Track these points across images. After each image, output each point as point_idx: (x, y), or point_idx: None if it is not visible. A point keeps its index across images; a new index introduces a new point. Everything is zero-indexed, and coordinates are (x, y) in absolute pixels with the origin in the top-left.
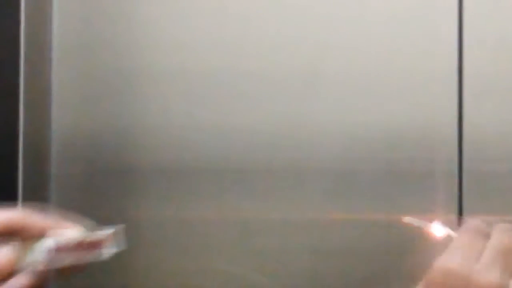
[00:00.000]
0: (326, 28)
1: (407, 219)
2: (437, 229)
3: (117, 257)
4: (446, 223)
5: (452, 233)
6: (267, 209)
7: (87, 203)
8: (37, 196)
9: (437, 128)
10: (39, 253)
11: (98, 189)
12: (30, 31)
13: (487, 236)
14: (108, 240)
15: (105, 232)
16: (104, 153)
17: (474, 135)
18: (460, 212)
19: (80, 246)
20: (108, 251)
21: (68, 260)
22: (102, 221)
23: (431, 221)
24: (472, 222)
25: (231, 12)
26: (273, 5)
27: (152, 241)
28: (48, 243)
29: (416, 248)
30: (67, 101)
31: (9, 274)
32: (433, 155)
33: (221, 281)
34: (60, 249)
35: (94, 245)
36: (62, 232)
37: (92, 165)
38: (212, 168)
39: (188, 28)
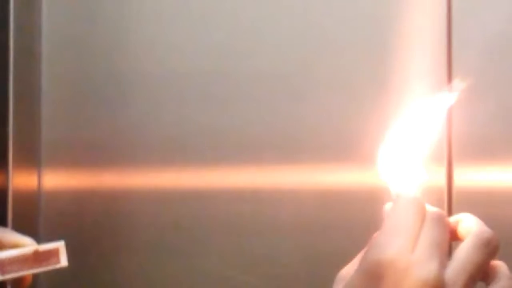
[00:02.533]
0: (316, 31)
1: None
2: None
3: (109, 258)
4: None
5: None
6: (257, 209)
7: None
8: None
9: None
10: None
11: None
12: (19, 32)
13: (423, 213)
14: (57, 252)
15: (54, 244)
16: (95, 154)
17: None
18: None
19: (30, 258)
20: (56, 264)
21: (18, 272)
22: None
23: None
24: (410, 196)
25: (221, 14)
26: (263, 8)
27: (143, 242)
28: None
29: None
30: (57, 103)
31: None
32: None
33: (213, 283)
34: (10, 262)
35: (43, 257)
36: (12, 245)
37: (80, 164)
38: (201, 169)
39: (178, 30)
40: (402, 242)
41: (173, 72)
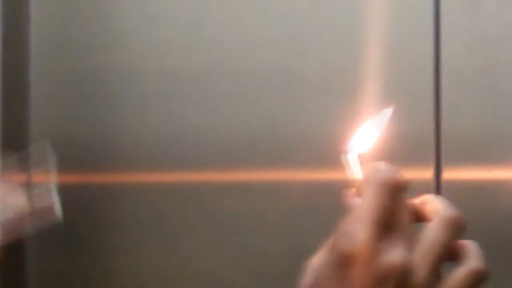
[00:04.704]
0: (303, 29)
1: None
2: None
3: (98, 256)
4: None
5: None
6: (245, 207)
7: None
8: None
9: (414, 129)
10: None
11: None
12: (8, 33)
13: (389, 196)
14: (51, 206)
15: (47, 199)
16: (81, 151)
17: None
18: None
19: (27, 215)
20: (52, 217)
21: (18, 229)
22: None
23: None
24: (376, 180)
25: (210, 12)
26: (253, 5)
27: (133, 242)
28: None
29: None
30: (45, 101)
31: None
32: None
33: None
34: (9, 222)
35: (39, 212)
36: (8, 203)
37: (69, 163)
38: (190, 167)
39: (167, 28)
40: (368, 230)
41: (162, 70)
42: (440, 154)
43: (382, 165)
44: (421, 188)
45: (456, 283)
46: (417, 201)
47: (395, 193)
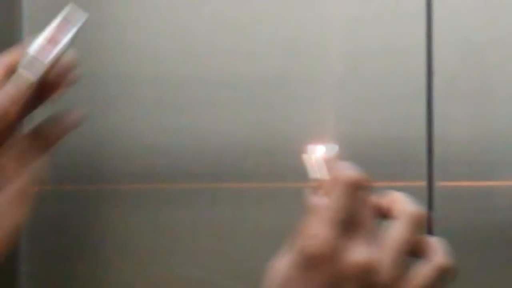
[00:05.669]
0: (295, 35)
1: None
2: None
3: (91, 261)
4: None
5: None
6: (238, 214)
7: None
8: None
9: (406, 133)
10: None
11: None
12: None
13: (360, 195)
14: (72, 13)
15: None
16: (74, 158)
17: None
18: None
19: (53, 34)
20: (78, 22)
21: (55, 51)
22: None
23: None
24: (337, 179)
25: (202, 20)
26: (247, 13)
27: (126, 249)
28: (29, 49)
29: None
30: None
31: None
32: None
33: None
34: (42, 48)
35: (64, 25)
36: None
37: (61, 170)
38: (183, 175)
39: (160, 35)
40: (331, 230)
41: (154, 77)
42: (433, 161)
43: (344, 165)
44: (414, 194)
45: (421, 278)
46: (381, 198)
47: (357, 192)
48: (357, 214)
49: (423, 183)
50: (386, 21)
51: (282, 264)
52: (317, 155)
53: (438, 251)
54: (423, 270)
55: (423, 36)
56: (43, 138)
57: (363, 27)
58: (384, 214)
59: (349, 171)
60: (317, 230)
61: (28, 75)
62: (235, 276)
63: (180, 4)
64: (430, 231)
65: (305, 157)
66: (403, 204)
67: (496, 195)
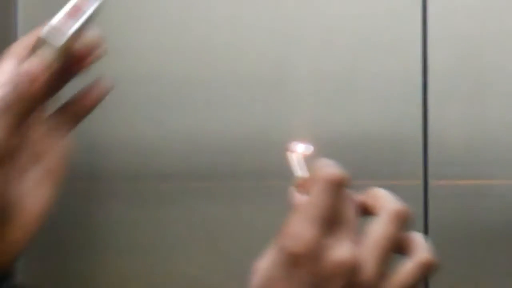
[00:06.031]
0: (291, 33)
1: None
2: None
3: (87, 259)
4: None
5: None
6: (234, 213)
7: None
8: None
9: (402, 131)
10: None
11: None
12: None
13: (341, 192)
14: None
15: None
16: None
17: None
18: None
19: (75, 7)
20: None
21: (77, 23)
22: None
23: None
24: (320, 177)
25: (197, 19)
26: (242, 12)
27: (121, 247)
28: (52, 21)
29: None
30: None
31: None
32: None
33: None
34: (64, 19)
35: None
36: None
37: None
38: (179, 174)
39: (156, 35)
40: (313, 228)
41: (147, 76)
42: (428, 160)
43: (325, 162)
44: (409, 193)
45: (405, 275)
46: (363, 195)
47: (338, 189)
48: (339, 211)
49: (418, 182)
50: (382, 20)
51: (265, 263)
52: (298, 153)
53: (421, 247)
54: (406, 267)
55: (419, 36)
56: (72, 114)
57: (358, 26)
58: (367, 211)
59: (329, 168)
60: (299, 229)
61: (52, 42)
62: (230, 273)
63: (179, 4)
64: (425, 230)
65: (288, 155)
66: (386, 201)
67: (490, 194)
